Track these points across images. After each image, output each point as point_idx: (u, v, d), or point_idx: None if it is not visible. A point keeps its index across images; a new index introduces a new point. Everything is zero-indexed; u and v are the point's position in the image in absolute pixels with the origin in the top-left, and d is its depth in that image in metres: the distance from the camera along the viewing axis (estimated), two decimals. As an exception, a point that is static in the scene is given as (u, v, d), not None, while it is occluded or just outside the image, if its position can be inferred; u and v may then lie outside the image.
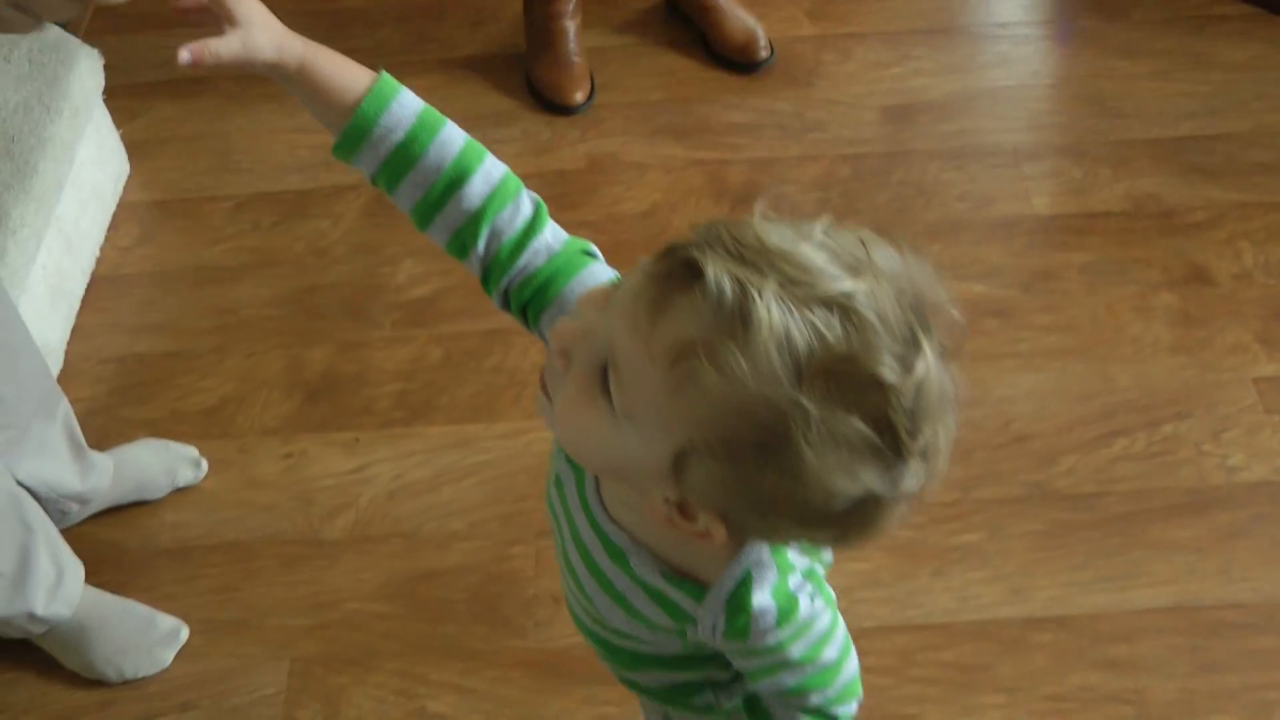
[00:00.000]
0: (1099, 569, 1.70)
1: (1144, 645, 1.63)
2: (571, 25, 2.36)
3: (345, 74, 0.95)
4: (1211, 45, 2.39)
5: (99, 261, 2.17)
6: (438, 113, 0.97)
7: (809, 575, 0.93)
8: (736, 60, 2.36)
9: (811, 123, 2.28)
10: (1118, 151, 2.20)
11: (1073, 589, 1.68)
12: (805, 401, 0.71)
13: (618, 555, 0.95)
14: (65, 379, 1.95)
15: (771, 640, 0.91)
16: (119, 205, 2.26)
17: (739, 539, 0.86)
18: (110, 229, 2.21)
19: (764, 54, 2.37)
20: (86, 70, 2.12)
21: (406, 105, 0.95)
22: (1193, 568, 1.69)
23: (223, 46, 0.90)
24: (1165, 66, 2.35)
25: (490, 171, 0.96)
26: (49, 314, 1.98)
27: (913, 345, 0.73)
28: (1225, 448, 1.81)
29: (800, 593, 0.91)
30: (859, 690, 1.00)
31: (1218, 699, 1.58)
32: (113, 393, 1.97)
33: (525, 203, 0.97)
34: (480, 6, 2.56)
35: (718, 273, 0.71)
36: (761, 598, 0.89)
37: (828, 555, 1.00)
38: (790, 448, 0.72)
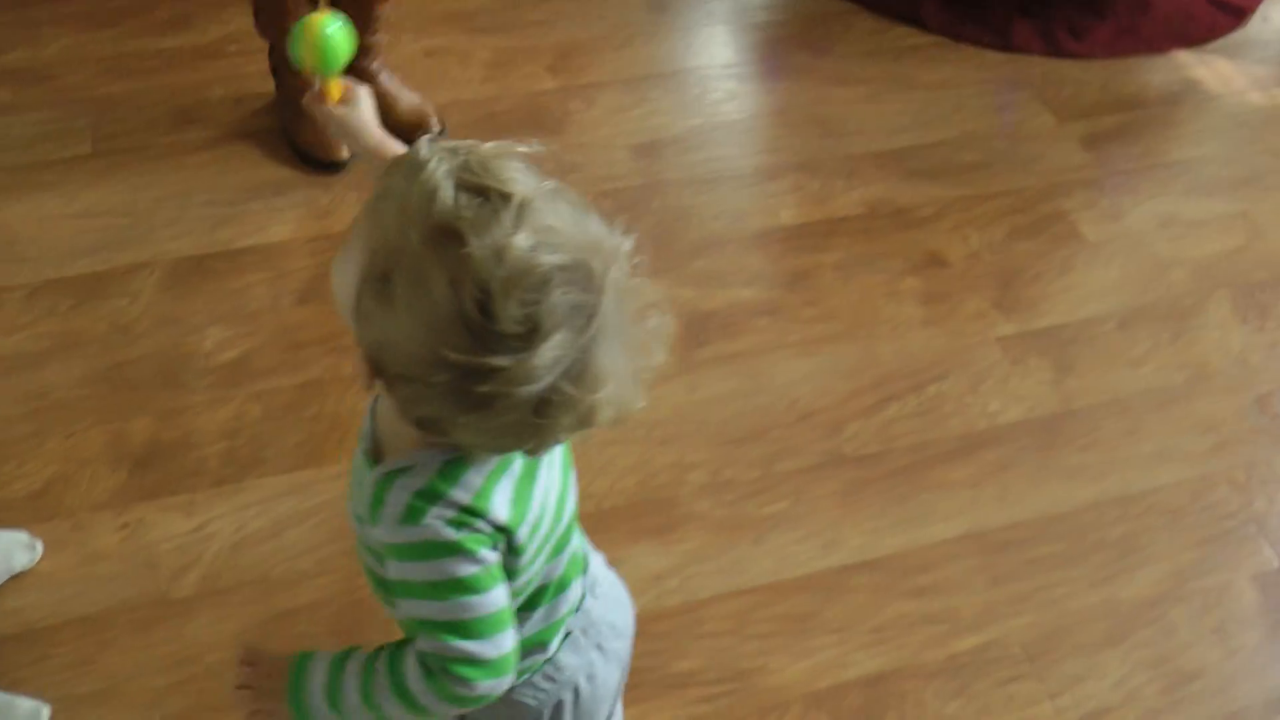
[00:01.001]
0: (895, 514, 1.92)
1: (945, 571, 1.85)
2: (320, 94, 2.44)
3: None
4: (911, 70, 2.72)
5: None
6: None
7: (462, 520, 0.96)
8: (411, 140, 2.44)
9: (567, 165, 2.47)
10: (847, 164, 2.48)
11: (876, 534, 1.90)
12: (413, 244, 0.85)
13: (359, 444, 1.05)
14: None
15: (388, 536, 0.97)
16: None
17: (414, 424, 0.93)
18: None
19: (436, 127, 2.48)
20: None
21: None
22: (974, 500, 1.93)
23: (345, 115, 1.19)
24: (875, 90, 2.66)
25: None
26: None
27: (526, 243, 0.86)
28: (983, 398, 2.08)
29: (435, 516, 0.95)
30: (502, 671, 1.01)
31: (1014, 604, 1.82)
32: (-70, 491, 1.94)
33: None
34: (238, 86, 2.64)
35: (430, 148, 0.91)
36: (399, 493, 0.96)
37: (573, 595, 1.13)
38: (392, 285, 0.86)
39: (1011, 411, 2.06)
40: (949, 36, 2.81)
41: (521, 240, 0.85)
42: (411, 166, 0.89)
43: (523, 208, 0.86)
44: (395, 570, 0.98)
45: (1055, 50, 2.78)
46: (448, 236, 0.85)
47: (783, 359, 2.13)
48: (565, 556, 1.13)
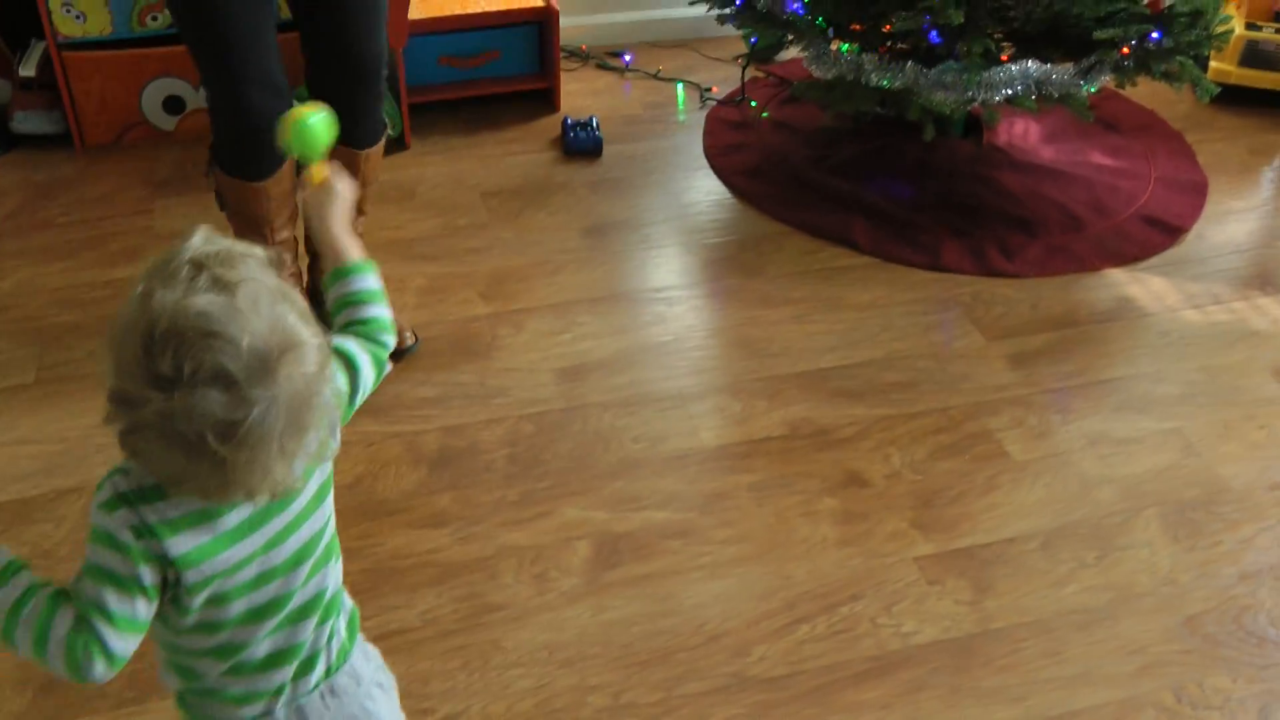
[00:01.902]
0: (799, 742, 1.83)
1: (847, 805, 1.76)
2: None
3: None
4: (840, 291, 2.74)
5: None
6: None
7: (141, 532, 1.11)
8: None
9: (494, 389, 2.47)
10: (770, 385, 2.47)
11: (778, 764, 1.81)
12: (137, 292, 1.07)
13: None
14: None
15: (91, 517, 1.15)
16: None
17: (123, 448, 1.10)
18: None
19: (409, 341, 2.53)
20: None
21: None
22: (882, 724, 1.85)
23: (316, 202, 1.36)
24: (802, 311, 2.68)
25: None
26: None
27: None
28: (897, 618, 2.01)
29: (122, 519, 1.11)
30: (115, 667, 1.13)
31: (916, 841, 1.71)
32: None
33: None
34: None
35: (205, 239, 1.11)
36: (109, 486, 1.14)
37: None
38: (113, 323, 1.08)
39: (927, 631, 1.99)
40: (879, 257, 2.84)
41: (196, 303, 1.03)
42: (181, 242, 1.10)
43: (218, 283, 1.04)
44: (86, 549, 1.13)
45: (986, 269, 2.80)
46: (150, 289, 1.05)
47: (693, 581, 2.07)
48: (271, 634, 1.22)
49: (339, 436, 1.20)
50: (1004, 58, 2.80)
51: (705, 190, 3.12)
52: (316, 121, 1.33)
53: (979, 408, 2.44)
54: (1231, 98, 3.35)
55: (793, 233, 2.93)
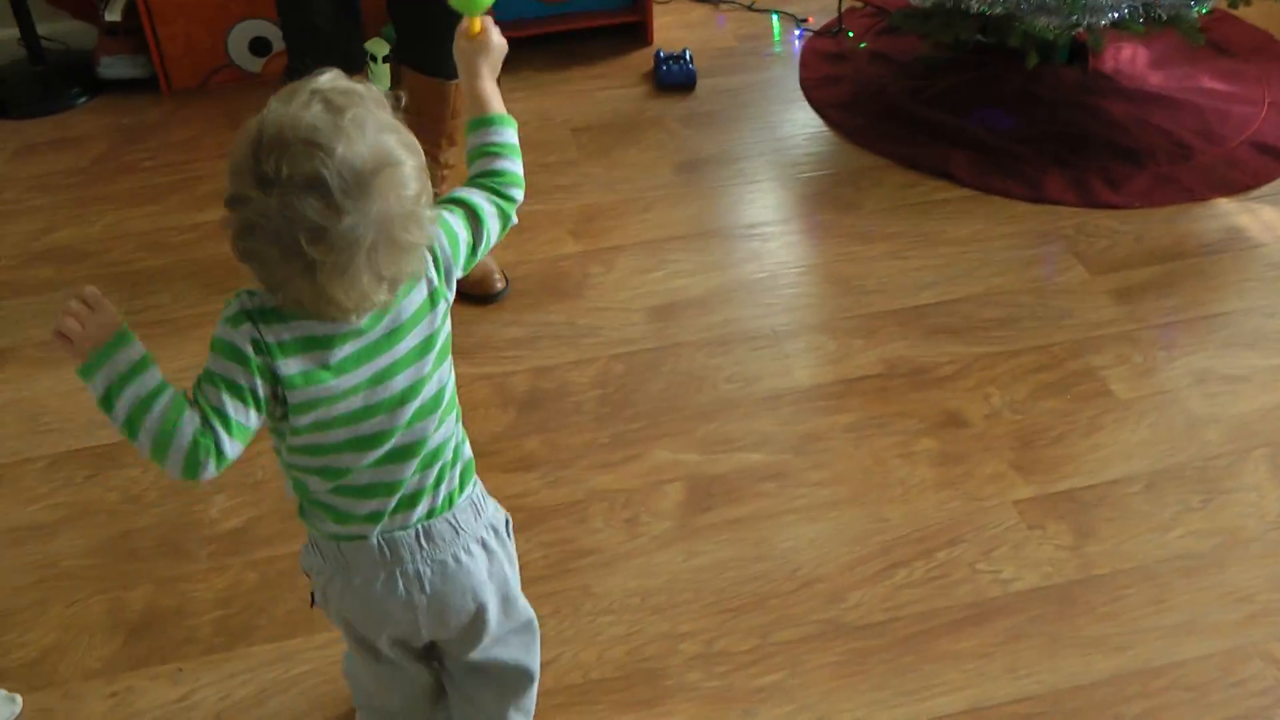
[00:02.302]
0: (896, 686, 1.82)
1: (942, 751, 1.74)
2: None
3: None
4: (938, 225, 2.68)
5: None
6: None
7: (260, 347, 1.22)
8: (474, 294, 2.50)
9: (584, 329, 2.46)
10: (866, 324, 2.44)
11: (875, 708, 1.79)
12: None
13: None
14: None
15: (216, 330, 1.25)
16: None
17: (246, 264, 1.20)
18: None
19: (499, 285, 2.53)
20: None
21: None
22: (982, 671, 1.82)
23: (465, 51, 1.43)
24: (899, 247, 2.62)
25: None
26: None
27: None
28: (997, 564, 1.98)
29: (245, 332, 1.22)
30: (222, 465, 1.24)
31: (1014, 788, 1.69)
32: (-73, 657, 1.96)
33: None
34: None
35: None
36: (235, 303, 1.25)
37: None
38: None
39: (1027, 578, 1.96)
40: (979, 190, 2.77)
41: (303, 116, 1.12)
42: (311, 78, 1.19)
43: (328, 105, 1.13)
44: (207, 359, 1.24)
45: (1090, 201, 2.72)
46: (270, 105, 1.15)
47: (785, 524, 2.06)
48: (372, 465, 1.32)
49: (448, 276, 1.31)
50: (1110, -21, 2.69)
51: (801, 124, 3.06)
52: None
53: (1082, 345, 2.38)
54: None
55: (890, 166, 2.87)
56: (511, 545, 1.50)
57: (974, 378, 2.31)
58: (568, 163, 2.94)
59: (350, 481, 1.33)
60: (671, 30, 3.45)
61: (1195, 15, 2.65)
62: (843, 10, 3.35)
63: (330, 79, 1.18)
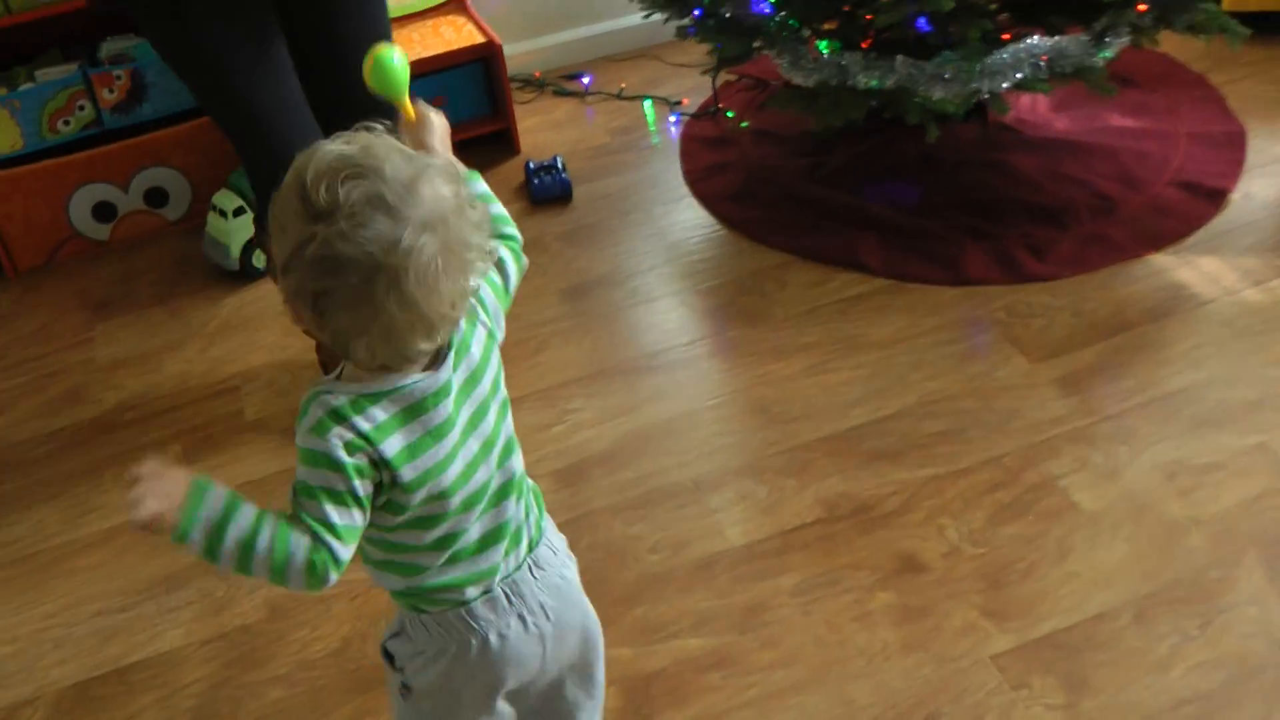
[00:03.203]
0: None
1: None
2: None
3: None
4: (857, 326, 2.43)
5: None
6: None
7: (355, 445, 1.19)
8: None
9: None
10: (796, 458, 2.18)
11: None
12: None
13: None
14: None
15: (299, 441, 1.21)
16: None
17: (317, 335, 1.19)
18: None
19: None
20: None
21: None
22: None
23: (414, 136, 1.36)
24: (819, 359, 2.37)
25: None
26: None
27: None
28: (983, 742, 1.72)
29: (336, 435, 1.18)
30: (339, 570, 1.21)
31: None
32: None
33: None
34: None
35: None
36: (316, 408, 1.20)
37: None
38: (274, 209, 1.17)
39: (1021, 755, 1.70)
40: (895, 278, 2.53)
41: (333, 149, 1.13)
42: None
43: (347, 140, 1.15)
44: (298, 472, 1.21)
45: (1016, 275, 2.49)
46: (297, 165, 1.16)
47: (742, 724, 1.79)
48: (480, 518, 1.31)
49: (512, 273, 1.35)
50: (1005, 36, 2.47)
51: (691, 224, 2.81)
52: (396, 59, 1.36)
53: (1035, 450, 2.14)
54: (1254, 27, 3.01)
55: (794, 262, 2.63)
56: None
57: (923, 508, 2.06)
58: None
59: (464, 543, 1.31)
60: (539, 133, 3.19)
61: (1102, 63, 2.43)
62: (717, 88, 3.10)
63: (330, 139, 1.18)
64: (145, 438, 2.44)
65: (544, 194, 2.89)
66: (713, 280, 2.63)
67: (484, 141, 3.12)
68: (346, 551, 1.22)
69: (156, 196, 2.99)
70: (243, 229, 2.77)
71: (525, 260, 1.41)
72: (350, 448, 1.19)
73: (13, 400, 2.62)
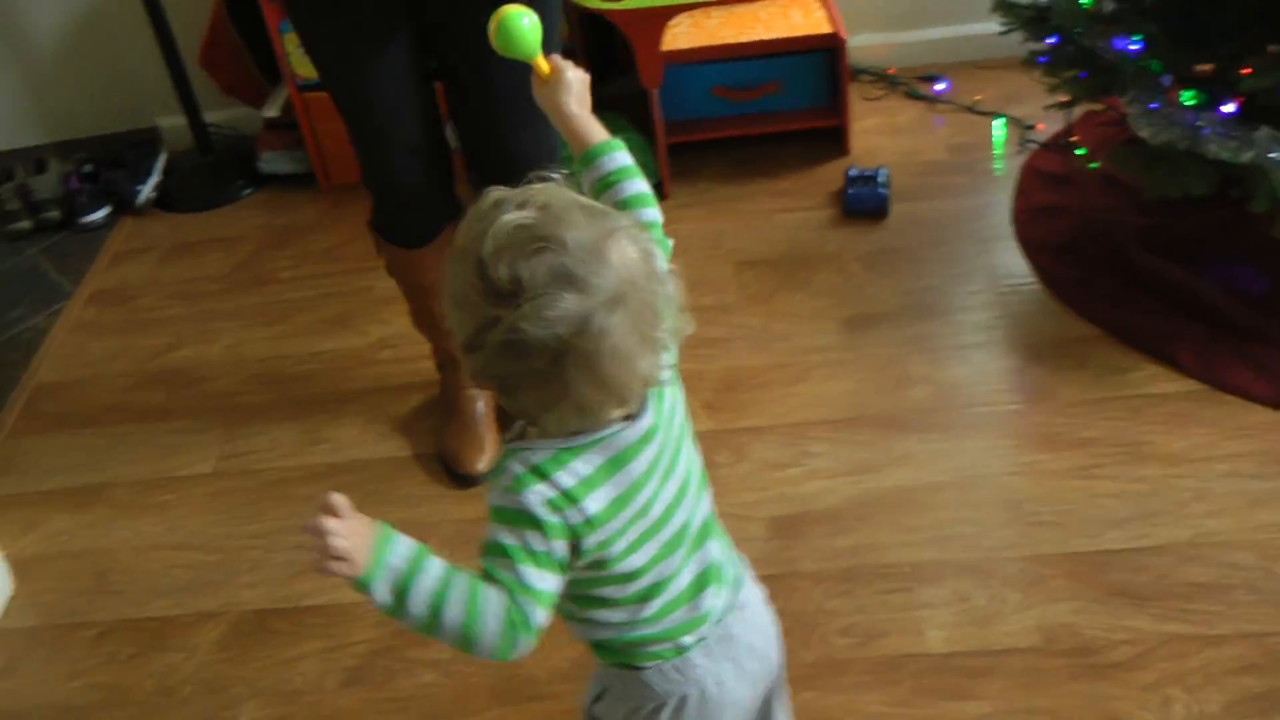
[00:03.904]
0: None
1: None
2: (478, 394, 2.30)
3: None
4: (1147, 432, 2.17)
5: (-37, 702, 2.08)
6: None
7: (558, 504, 1.13)
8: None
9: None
10: (1031, 571, 1.97)
11: None
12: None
13: None
14: None
15: (493, 500, 1.16)
16: (-3, 632, 2.18)
17: (509, 406, 1.14)
18: (-21, 663, 2.14)
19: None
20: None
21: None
22: None
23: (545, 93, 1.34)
24: (1092, 460, 2.13)
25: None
26: None
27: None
28: None
29: (536, 492, 1.13)
30: (537, 636, 1.15)
31: None
32: None
33: None
34: (377, 404, 2.47)
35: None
36: (515, 464, 1.14)
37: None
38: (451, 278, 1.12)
39: None
40: (1208, 384, 2.23)
41: (511, 219, 1.06)
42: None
43: (523, 204, 1.08)
44: (490, 531, 1.14)
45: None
46: (464, 231, 1.11)
47: None
48: (683, 563, 1.26)
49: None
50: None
51: (1004, 270, 2.57)
52: (519, 19, 1.29)
53: (1311, 636, 1.84)
54: None
55: (1101, 339, 2.36)
56: None
57: (1155, 670, 1.82)
58: (723, 309, 2.56)
59: (676, 590, 1.26)
60: (874, 137, 3.00)
61: None
62: (1073, 120, 2.80)
63: (501, 191, 1.12)
64: (393, 378, 2.50)
65: (857, 206, 2.72)
66: (1007, 340, 2.41)
67: (813, 136, 2.97)
68: (543, 616, 1.15)
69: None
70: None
71: (670, 244, 1.29)
72: (551, 506, 1.13)
73: (290, 312, 2.75)
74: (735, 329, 2.51)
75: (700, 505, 1.29)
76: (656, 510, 1.21)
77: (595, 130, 1.34)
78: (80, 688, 2.06)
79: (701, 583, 1.29)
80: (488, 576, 1.14)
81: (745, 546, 2.02)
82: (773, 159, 2.96)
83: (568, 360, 1.06)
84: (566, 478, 1.14)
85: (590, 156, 1.33)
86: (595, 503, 1.15)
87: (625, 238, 1.10)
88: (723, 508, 2.06)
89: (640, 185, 1.32)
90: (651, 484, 1.20)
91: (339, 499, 1.10)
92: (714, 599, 1.30)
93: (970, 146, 2.94)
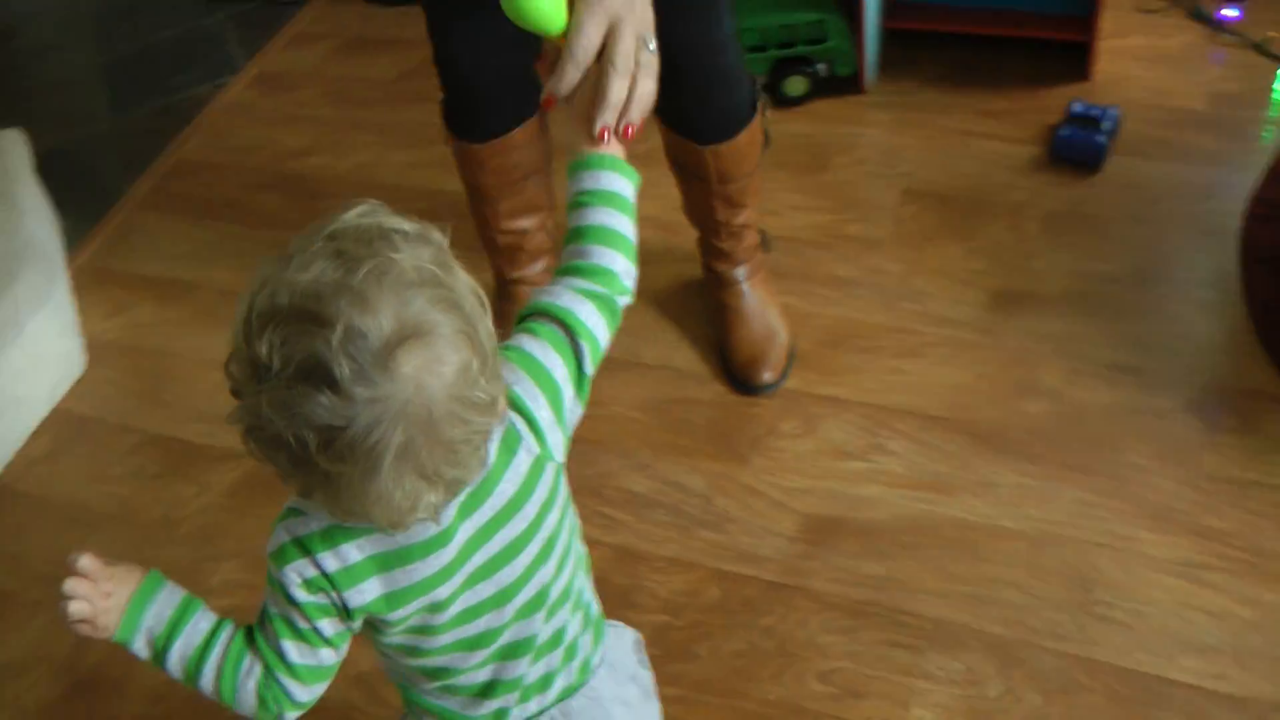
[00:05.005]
0: None
1: None
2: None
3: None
4: (1295, 533, 1.75)
5: (7, 468, 2.14)
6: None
7: (317, 585, 0.99)
8: (737, 378, 2.04)
9: (715, 514, 1.87)
10: (1067, 672, 1.63)
11: None
12: None
13: None
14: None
15: (267, 559, 1.02)
16: (53, 410, 2.22)
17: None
18: (33, 435, 2.18)
19: (767, 378, 2.01)
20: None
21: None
22: None
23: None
24: (1205, 558, 1.73)
25: None
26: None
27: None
28: None
29: (294, 569, 0.99)
30: (303, 709, 1.07)
31: None
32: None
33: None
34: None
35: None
36: (282, 531, 1.01)
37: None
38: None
39: None
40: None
41: (301, 279, 0.85)
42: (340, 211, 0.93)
43: (340, 256, 0.86)
44: (266, 589, 1.04)
45: None
46: (274, 260, 0.90)
47: None
48: (485, 665, 1.10)
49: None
50: None
51: (1207, 278, 2.09)
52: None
53: None
54: None
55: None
56: (648, 673, 1.31)
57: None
58: (866, 244, 2.22)
59: (463, 681, 1.12)
60: (1127, 62, 2.49)
61: None
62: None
63: (358, 214, 0.91)
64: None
65: (1065, 151, 2.28)
66: (1168, 372, 1.96)
67: (1052, 50, 2.49)
68: (304, 692, 1.06)
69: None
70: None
71: (625, 302, 1.11)
72: (310, 586, 1.00)
73: (425, 143, 2.48)
74: (869, 273, 2.17)
75: (532, 618, 1.10)
76: (453, 609, 1.05)
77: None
78: (101, 493, 2.07)
79: (501, 690, 1.13)
80: (251, 640, 1.05)
81: (764, 540, 1.80)
82: (997, 68, 2.51)
83: (310, 473, 0.88)
84: (331, 561, 0.99)
85: (579, 165, 1.12)
86: (360, 596, 1.01)
87: (433, 347, 0.86)
88: (763, 485, 1.85)
89: (617, 222, 1.09)
90: (445, 588, 1.02)
91: (86, 561, 1.01)
92: (516, 703, 1.15)
93: (1238, 99, 2.39)
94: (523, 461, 1.02)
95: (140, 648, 1.04)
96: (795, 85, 2.45)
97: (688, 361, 2.09)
